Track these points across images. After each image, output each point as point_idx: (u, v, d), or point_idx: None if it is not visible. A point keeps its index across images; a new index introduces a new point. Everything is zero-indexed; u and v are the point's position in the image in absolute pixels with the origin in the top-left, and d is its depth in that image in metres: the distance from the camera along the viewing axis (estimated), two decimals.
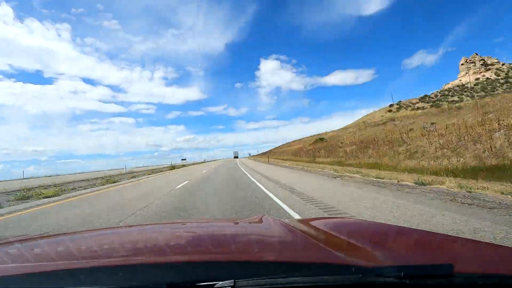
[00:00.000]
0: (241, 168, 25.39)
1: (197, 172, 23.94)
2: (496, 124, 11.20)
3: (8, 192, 14.60)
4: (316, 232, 1.32)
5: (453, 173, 8.92)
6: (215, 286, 0.67)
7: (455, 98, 65.48)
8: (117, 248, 1.14)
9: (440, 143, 12.66)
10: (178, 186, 11.61)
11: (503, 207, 4.39)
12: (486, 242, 1.22)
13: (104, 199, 9.30)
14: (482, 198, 5.15)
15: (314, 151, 32.95)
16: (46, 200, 10.51)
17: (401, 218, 4.23)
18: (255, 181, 11.64)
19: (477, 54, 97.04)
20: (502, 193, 5.38)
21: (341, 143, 28.44)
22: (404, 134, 17.52)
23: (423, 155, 12.86)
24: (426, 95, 78.73)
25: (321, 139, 44.75)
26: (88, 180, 23.48)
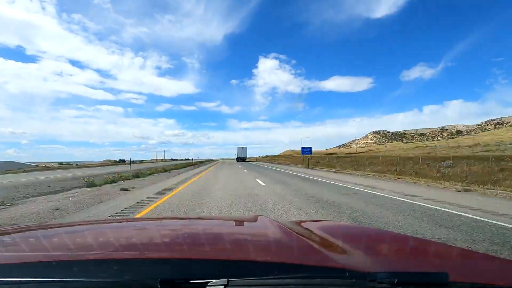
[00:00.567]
0: None
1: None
2: None
3: None
4: (311, 234, 1.32)
5: None
6: (208, 284, 0.67)
7: None
8: (111, 242, 1.14)
9: None
10: None
11: None
12: (483, 253, 1.22)
13: None
14: None
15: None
16: None
17: None
18: None
19: None
20: None
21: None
22: None
23: None
24: None
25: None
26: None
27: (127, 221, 1.99)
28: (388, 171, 19.71)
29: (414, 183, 12.96)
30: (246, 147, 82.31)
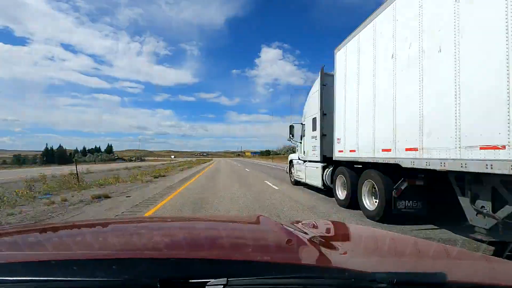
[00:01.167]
0: None
1: None
2: None
3: None
4: (311, 234, 1.33)
5: None
6: (208, 283, 0.67)
7: None
8: (110, 241, 1.14)
9: None
10: None
11: None
12: (481, 254, 1.23)
13: None
14: None
15: None
16: None
17: None
18: None
19: None
20: None
21: None
22: None
23: None
24: None
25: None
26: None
27: (127, 221, 1.99)
28: None
29: None
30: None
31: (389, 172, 5.04)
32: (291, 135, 10.59)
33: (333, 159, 7.27)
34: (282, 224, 1.41)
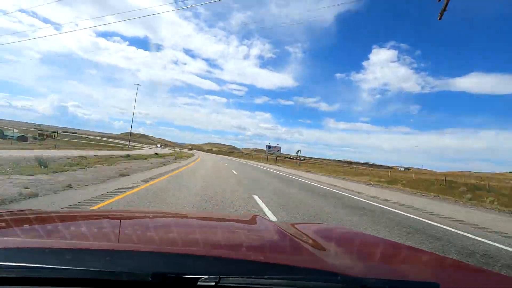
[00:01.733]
0: None
1: None
2: None
3: None
4: (306, 236, 1.33)
5: None
6: (200, 279, 0.67)
7: None
8: (105, 232, 1.15)
9: None
10: None
11: None
12: (476, 266, 1.23)
13: None
14: None
15: None
16: None
17: None
18: None
19: None
20: None
21: None
22: None
23: None
24: None
25: None
26: None
27: (123, 213, 1.99)
28: None
29: None
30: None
31: None
32: None
33: None
34: (276, 225, 1.41)
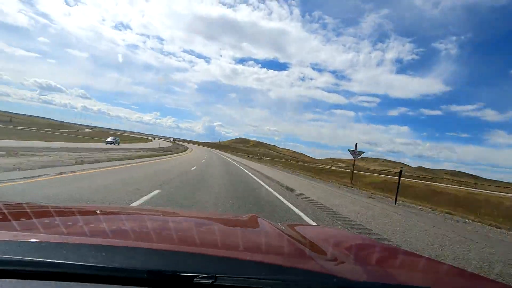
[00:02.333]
0: None
1: None
2: None
3: None
4: (303, 238, 1.33)
5: None
6: (196, 278, 0.67)
7: None
8: (102, 228, 1.14)
9: None
10: None
11: None
12: (472, 272, 1.23)
13: None
14: None
15: None
16: None
17: None
18: None
19: None
20: None
21: None
22: None
23: None
24: None
25: None
26: None
27: (121, 209, 1.99)
28: None
29: None
30: None
31: None
32: None
33: None
34: (275, 226, 1.41)
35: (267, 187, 11.41)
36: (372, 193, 14.29)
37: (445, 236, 5.68)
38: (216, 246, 1.06)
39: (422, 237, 5.35)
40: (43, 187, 5.91)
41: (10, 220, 1.08)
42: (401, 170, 12.21)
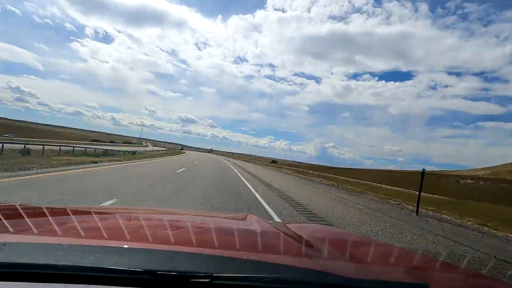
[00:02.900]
0: None
1: None
2: None
3: None
4: (298, 236, 1.33)
5: None
6: (192, 277, 0.67)
7: None
8: (97, 229, 1.13)
9: None
10: None
11: None
12: (465, 269, 1.25)
13: None
14: None
15: None
16: None
17: None
18: None
19: None
20: None
21: None
22: None
23: None
24: None
25: None
26: None
27: (116, 210, 1.98)
28: None
29: None
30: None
31: None
32: None
33: None
34: (269, 224, 1.42)
35: None
36: None
37: None
38: (212, 245, 1.06)
39: None
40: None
41: (2, 222, 1.07)
42: None
